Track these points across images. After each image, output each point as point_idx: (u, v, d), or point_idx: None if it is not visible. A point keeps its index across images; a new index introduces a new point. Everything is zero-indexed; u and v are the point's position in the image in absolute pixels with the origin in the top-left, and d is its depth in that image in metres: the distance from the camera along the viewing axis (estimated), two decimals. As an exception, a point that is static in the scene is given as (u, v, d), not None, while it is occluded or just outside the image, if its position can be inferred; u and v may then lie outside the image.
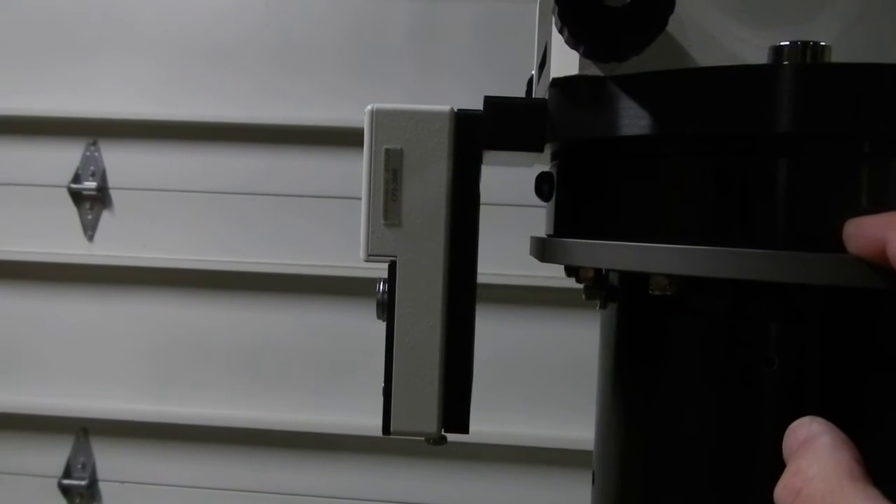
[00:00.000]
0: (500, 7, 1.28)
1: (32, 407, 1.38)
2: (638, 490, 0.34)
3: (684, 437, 0.32)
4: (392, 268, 0.34)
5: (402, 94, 1.27)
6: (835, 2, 0.30)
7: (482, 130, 0.34)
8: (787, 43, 0.28)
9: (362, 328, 1.31)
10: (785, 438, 0.25)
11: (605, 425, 0.36)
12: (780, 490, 0.24)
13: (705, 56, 0.30)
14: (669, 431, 0.32)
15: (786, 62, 0.28)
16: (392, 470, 1.35)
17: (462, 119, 0.34)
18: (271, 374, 1.36)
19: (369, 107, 0.34)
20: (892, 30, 0.30)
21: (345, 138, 1.29)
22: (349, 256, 1.30)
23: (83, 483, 1.39)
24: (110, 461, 1.40)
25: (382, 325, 0.35)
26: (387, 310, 0.34)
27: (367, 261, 0.34)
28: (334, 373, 1.35)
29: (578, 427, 1.23)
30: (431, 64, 1.31)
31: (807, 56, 0.27)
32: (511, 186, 0.97)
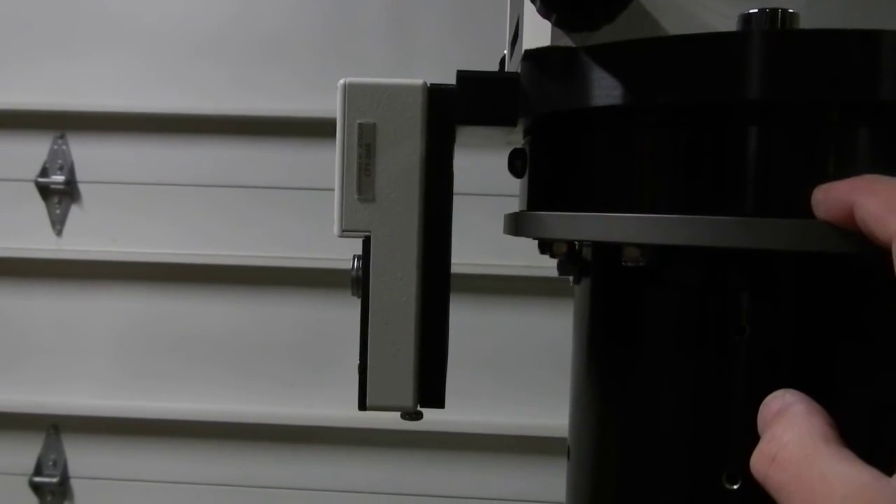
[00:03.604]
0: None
1: (1, 404, 1.36)
2: (613, 459, 0.34)
3: (658, 406, 0.32)
4: (366, 243, 0.34)
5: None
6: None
7: (455, 105, 0.34)
8: (756, 10, 0.28)
9: (338, 319, 1.31)
10: (759, 412, 0.26)
11: (579, 398, 0.36)
12: (756, 457, 0.24)
13: (676, 25, 0.30)
14: (643, 401, 0.32)
15: (755, 29, 0.28)
16: (370, 461, 1.35)
17: (435, 93, 0.34)
18: (245, 367, 1.36)
19: (342, 81, 0.33)
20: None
21: (319, 129, 1.29)
22: (325, 247, 1.29)
23: (54, 480, 1.37)
24: (82, 458, 1.39)
25: (358, 317, 0.35)
26: (361, 286, 0.34)
27: (341, 236, 0.34)
28: (310, 364, 1.35)
29: (558, 415, 1.24)
30: (407, 53, 1.31)
31: (776, 23, 0.28)
32: (488, 176, 0.98)
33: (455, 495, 1.34)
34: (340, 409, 1.29)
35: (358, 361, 0.35)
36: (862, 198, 0.25)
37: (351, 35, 1.31)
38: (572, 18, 0.28)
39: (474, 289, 1.29)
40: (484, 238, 1.04)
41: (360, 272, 0.34)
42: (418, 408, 0.35)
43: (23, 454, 1.38)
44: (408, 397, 0.34)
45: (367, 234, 0.34)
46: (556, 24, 0.29)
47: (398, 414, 0.35)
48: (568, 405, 0.38)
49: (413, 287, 0.34)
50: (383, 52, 1.31)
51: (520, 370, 1.31)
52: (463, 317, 1.24)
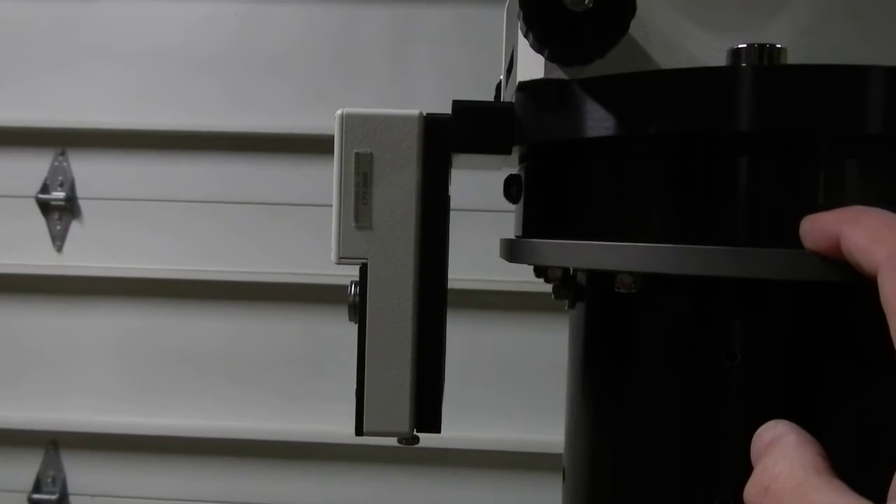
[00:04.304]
0: (477, 14, 1.29)
1: (0, 420, 1.36)
2: (607, 484, 0.35)
3: (651, 430, 0.32)
4: (363, 270, 0.34)
5: (376, 101, 1.28)
6: (788, 8, 0.31)
7: (451, 134, 0.34)
8: (745, 45, 0.29)
9: (338, 335, 1.31)
10: (752, 443, 0.26)
11: (574, 422, 0.37)
12: (749, 489, 0.24)
13: (666, 59, 0.31)
14: (637, 426, 0.33)
15: (744, 64, 0.28)
16: (370, 477, 1.35)
17: (431, 123, 0.34)
18: (245, 383, 1.36)
19: (339, 111, 0.34)
20: (840, 35, 0.31)
21: (319, 145, 1.29)
22: (324, 263, 1.29)
23: (54, 497, 1.37)
24: (81, 474, 1.38)
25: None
26: (358, 311, 0.35)
27: (338, 263, 0.35)
28: (310, 380, 1.35)
29: (560, 431, 1.24)
30: (406, 70, 1.32)
31: (763, 58, 0.28)
32: (489, 192, 0.98)
33: (454, 511, 1.34)
34: (340, 424, 1.29)
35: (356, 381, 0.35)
36: (847, 229, 0.25)
37: (351, 53, 1.32)
38: (565, 53, 0.29)
39: (473, 304, 1.29)
40: (484, 254, 1.04)
41: (357, 298, 0.35)
42: (414, 432, 0.35)
43: (22, 471, 1.38)
44: (404, 423, 0.34)
45: (365, 261, 0.34)
46: (548, 59, 0.30)
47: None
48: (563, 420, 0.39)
49: (409, 313, 0.34)
50: (384, 70, 1.32)
51: (519, 385, 1.31)
52: (461, 332, 1.24)
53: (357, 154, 0.34)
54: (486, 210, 1.14)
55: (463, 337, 1.27)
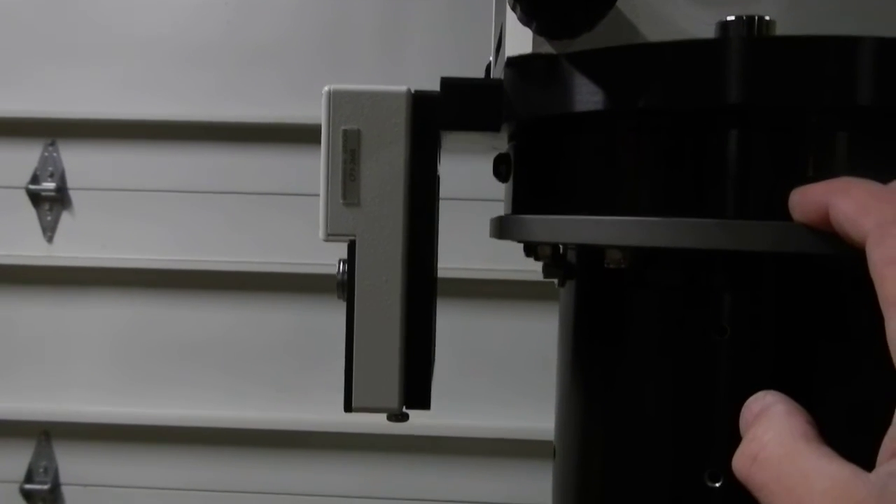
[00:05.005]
0: (468, 1, 1.28)
1: (-8, 411, 1.36)
2: (598, 458, 0.35)
3: (641, 406, 0.32)
4: (351, 247, 0.34)
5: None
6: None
7: (439, 111, 0.34)
8: (733, 18, 0.28)
9: (331, 324, 1.31)
10: (741, 414, 0.26)
11: (564, 399, 0.37)
12: (738, 458, 0.24)
13: (654, 32, 0.31)
14: (626, 401, 0.33)
15: (732, 36, 0.28)
16: (364, 465, 1.35)
17: (419, 99, 0.34)
18: (236, 372, 1.35)
19: (326, 87, 0.34)
20: (830, 6, 0.31)
21: (309, 135, 1.29)
22: (316, 252, 1.29)
23: (46, 487, 1.37)
24: (73, 464, 1.38)
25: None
26: (347, 289, 0.34)
27: (326, 240, 0.34)
28: (303, 369, 1.35)
29: (548, 418, 1.24)
30: (397, 58, 1.31)
31: (752, 30, 0.28)
32: (481, 181, 0.98)
33: (448, 499, 1.34)
34: (333, 413, 1.29)
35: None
36: (836, 199, 0.25)
37: (342, 41, 1.32)
38: (552, 26, 0.29)
39: (463, 293, 1.29)
40: (473, 242, 1.04)
41: (346, 276, 0.35)
42: (404, 409, 0.35)
43: (14, 461, 1.38)
44: (393, 399, 0.34)
45: (353, 237, 0.34)
46: (536, 32, 0.29)
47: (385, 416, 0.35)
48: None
49: (398, 290, 0.34)
50: (375, 58, 1.32)
51: (510, 374, 1.32)
52: (452, 321, 1.24)
53: (345, 131, 0.34)
54: (475, 199, 1.14)
55: (454, 325, 1.27)
